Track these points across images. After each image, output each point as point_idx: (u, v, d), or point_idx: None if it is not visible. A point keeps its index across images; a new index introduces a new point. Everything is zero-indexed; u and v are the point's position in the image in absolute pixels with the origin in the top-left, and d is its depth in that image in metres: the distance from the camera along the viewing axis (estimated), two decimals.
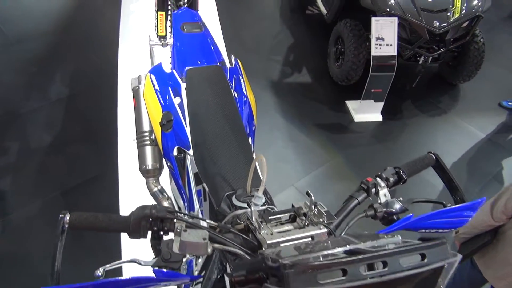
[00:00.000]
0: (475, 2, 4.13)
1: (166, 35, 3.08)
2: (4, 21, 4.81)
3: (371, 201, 1.24)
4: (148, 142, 1.85)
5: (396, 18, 3.95)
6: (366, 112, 4.31)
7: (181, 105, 1.66)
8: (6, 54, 4.41)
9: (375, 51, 3.96)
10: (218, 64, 1.79)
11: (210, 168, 1.41)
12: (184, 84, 1.71)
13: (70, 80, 4.23)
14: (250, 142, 1.65)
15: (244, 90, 1.77)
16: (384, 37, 3.96)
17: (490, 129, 4.35)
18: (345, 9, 4.68)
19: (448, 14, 4.02)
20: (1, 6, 5.07)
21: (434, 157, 1.31)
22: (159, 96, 1.72)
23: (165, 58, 2.22)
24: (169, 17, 3.13)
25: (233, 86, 1.73)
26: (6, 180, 3.27)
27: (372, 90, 4.13)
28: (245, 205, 1.21)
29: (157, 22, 3.04)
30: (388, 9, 4.00)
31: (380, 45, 3.97)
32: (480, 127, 4.37)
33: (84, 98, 4.05)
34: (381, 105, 4.27)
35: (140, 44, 4.33)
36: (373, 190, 1.23)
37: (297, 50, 5.15)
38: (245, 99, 1.76)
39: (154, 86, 1.74)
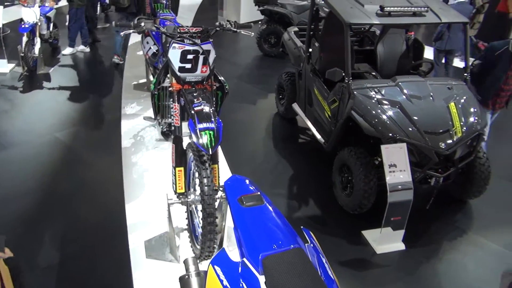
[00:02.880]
0: (472, 120, 4.20)
1: (185, 191, 2.80)
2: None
3: None
4: None
5: (404, 144, 3.89)
6: (387, 242, 4.02)
7: None
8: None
9: (389, 179, 3.81)
10: (297, 245, 1.48)
11: None
12: (263, 277, 1.38)
13: (65, 244, 3.78)
14: None
15: (330, 272, 1.45)
16: (396, 163, 3.86)
17: None
18: (344, 137, 4.64)
19: (451, 134, 4.03)
20: None
21: None
22: None
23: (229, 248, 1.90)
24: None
25: (319, 270, 1.41)
26: None
27: (392, 219, 3.89)
28: None
29: (175, 178, 2.81)
30: (391, 134, 3.97)
31: (394, 171, 3.84)
32: (504, 244, 4.14)
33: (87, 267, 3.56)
34: (402, 232, 4.01)
35: (149, 200, 4.05)
36: None
37: (299, 181, 4.98)
38: (332, 279, 1.43)
39: (221, 281, 1.39)
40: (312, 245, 1.58)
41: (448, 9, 4.75)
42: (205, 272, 1.53)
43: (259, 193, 1.77)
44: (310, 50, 5.36)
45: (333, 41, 5.06)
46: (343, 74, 4.34)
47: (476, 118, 4.23)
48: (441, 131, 4.03)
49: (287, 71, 6.17)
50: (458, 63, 8.14)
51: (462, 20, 4.68)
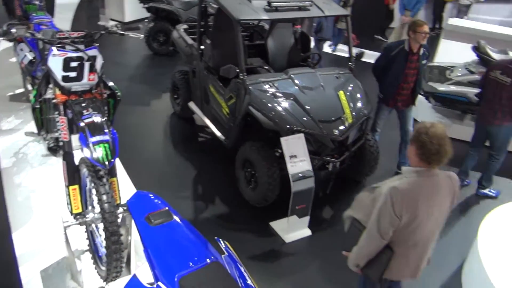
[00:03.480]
0: (360, 106, 4.50)
1: (83, 211, 2.56)
2: None
3: None
4: None
5: (302, 134, 4.03)
6: (294, 230, 4.16)
7: None
8: None
9: (291, 169, 3.92)
10: (214, 259, 1.42)
11: None
12: None
13: None
14: None
15: (249, 281, 1.42)
16: (296, 153, 3.98)
17: None
18: (244, 132, 4.66)
19: (343, 120, 4.27)
20: None
21: None
22: None
23: (137, 267, 1.74)
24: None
25: (239, 281, 1.37)
26: None
27: (297, 207, 4.02)
28: None
29: (70, 198, 2.55)
30: (288, 126, 4.08)
31: (295, 162, 3.96)
32: None
33: None
34: (307, 219, 4.18)
35: (40, 225, 3.64)
36: None
37: (203, 181, 4.91)
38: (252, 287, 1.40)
39: None
40: (228, 254, 1.53)
41: (329, 2, 5.00)
42: None
43: (167, 208, 1.68)
44: (202, 47, 5.28)
45: (224, 38, 5.05)
46: (237, 70, 4.35)
47: (363, 103, 4.54)
48: (333, 119, 4.25)
49: (180, 69, 6.02)
50: (326, 48, 8.89)
51: (343, 13, 5.00)
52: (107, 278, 2.65)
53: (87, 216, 2.69)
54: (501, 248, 3.56)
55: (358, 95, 4.62)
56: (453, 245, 4.27)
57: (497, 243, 3.60)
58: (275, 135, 4.21)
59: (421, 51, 4.65)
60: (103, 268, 2.76)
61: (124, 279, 2.50)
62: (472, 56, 6.35)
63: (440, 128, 2.33)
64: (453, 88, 6.16)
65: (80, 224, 2.67)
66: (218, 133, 5.07)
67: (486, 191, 5.09)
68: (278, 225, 4.25)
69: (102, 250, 2.82)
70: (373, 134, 5.05)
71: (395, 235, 2.40)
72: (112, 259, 2.46)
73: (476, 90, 5.36)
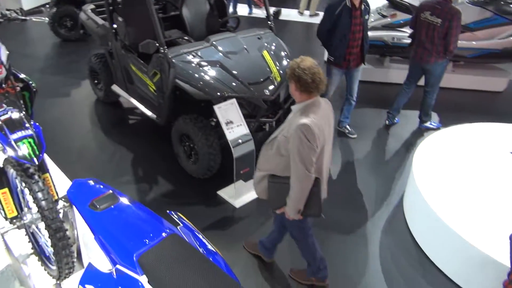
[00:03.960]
0: (285, 64, 4.55)
1: (18, 214, 2.39)
2: None
3: None
4: None
5: (234, 100, 4.02)
6: (242, 194, 4.22)
7: None
8: None
9: (229, 136, 3.93)
10: (169, 231, 1.39)
11: None
12: (144, 277, 1.26)
13: None
14: None
15: (209, 246, 1.41)
16: (232, 119, 3.98)
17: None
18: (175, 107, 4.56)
19: (272, 80, 4.31)
20: None
21: None
22: None
23: (89, 255, 1.65)
24: None
25: (199, 248, 1.36)
26: None
27: (241, 172, 4.06)
28: None
29: (1, 203, 2.36)
30: (219, 93, 4.05)
31: (232, 128, 3.96)
32: None
33: None
34: (252, 181, 4.22)
35: None
36: None
37: (142, 162, 4.77)
38: (213, 252, 1.41)
39: None
40: (183, 225, 1.51)
41: None
42: None
43: (110, 191, 1.61)
44: (115, 26, 5.01)
45: (136, 13, 4.82)
46: (157, 44, 4.20)
47: (288, 60, 4.59)
48: (262, 79, 4.27)
49: (96, 52, 5.70)
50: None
51: None
52: (60, 277, 2.54)
53: (24, 218, 2.53)
54: (434, 173, 3.85)
55: (283, 53, 4.66)
56: (395, 179, 4.56)
57: (430, 170, 3.90)
58: (208, 105, 4.16)
59: (362, 6, 4.69)
60: (54, 267, 2.63)
61: (78, 274, 2.41)
62: (382, 1, 6.62)
63: (309, 60, 2.55)
64: (369, 34, 6.40)
65: (19, 227, 2.50)
66: (148, 113, 4.92)
67: (427, 124, 5.52)
68: (226, 193, 4.29)
69: (49, 250, 2.68)
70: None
71: (315, 165, 2.60)
72: (62, 256, 2.35)
73: (391, 33, 5.62)
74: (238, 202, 4.16)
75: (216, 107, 3.94)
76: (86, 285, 1.30)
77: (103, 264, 1.34)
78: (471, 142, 4.31)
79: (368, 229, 3.92)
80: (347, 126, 5.37)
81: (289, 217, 2.71)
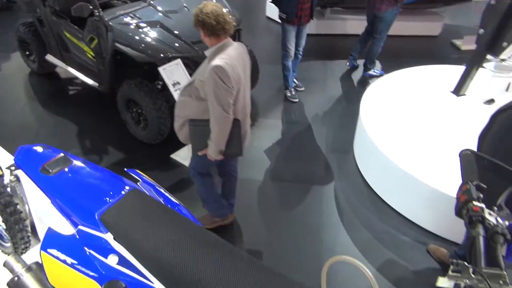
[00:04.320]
0: None
1: None
2: None
3: None
4: None
5: (179, 60, 3.91)
6: None
7: (124, 261, 1.19)
8: None
9: (178, 97, 3.83)
10: (128, 188, 1.36)
11: None
12: (109, 234, 1.24)
13: None
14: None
15: (172, 198, 1.41)
16: (178, 80, 3.89)
17: None
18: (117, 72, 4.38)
19: None
20: None
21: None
22: (82, 268, 1.20)
23: (49, 220, 1.58)
24: None
25: (161, 201, 1.35)
26: None
27: None
28: None
29: None
30: (162, 55, 3.92)
31: (179, 89, 3.87)
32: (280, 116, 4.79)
33: None
34: None
35: None
36: None
37: (89, 132, 4.60)
38: (176, 203, 1.41)
39: (64, 261, 1.20)
40: (143, 181, 1.49)
41: None
42: (38, 263, 1.30)
43: (62, 153, 1.54)
44: None
45: None
46: (91, 7, 3.96)
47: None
48: None
49: (23, 21, 5.29)
50: None
51: None
52: (16, 253, 2.44)
53: None
54: (380, 117, 4.00)
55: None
56: (345, 127, 4.70)
57: (376, 114, 4.04)
58: (152, 67, 4.03)
59: None
60: (7, 244, 2.53)
61: (36, 249, 2.34)
62: None
63: (210, 4, 2.59)
64: None
65: None
66: (89, 81, 4.70)
67: (371, 72, 5.67)
68: (179, 155, 4.25)
69: (0, 227, 2.56)
70: (286, 60, 4.99)
71: (234, 107, 2.65)
72: (16, 231, 2.25)
73: None
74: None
75: (160, 69, 3.82)
76: (48, 250, 1.26)
77: (64, 228, 1.30)
78: (413, 85, 4.49)
79: (323, 177, 4.05)
80: (295, 80, 5.42)
81: (211, 157, 2.78)
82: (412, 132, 3.81)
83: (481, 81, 3.98)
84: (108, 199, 1.35)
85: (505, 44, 3.44)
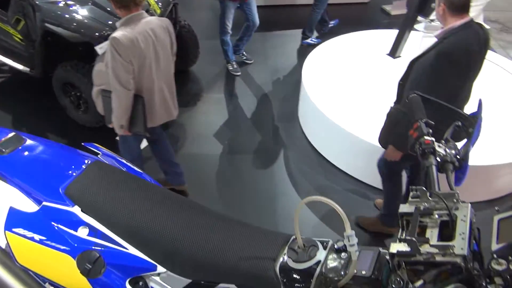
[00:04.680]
0: None
1: None
2: None
3: None
4: None
5: None
6: None
7: (95, 232, 1.19)
8: None
9: None
10: (89, 161, 1.34)
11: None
12: (76, 207, 1.22)
13: None
14: None
15: (134, 167, 1.41)
16: None
17: None
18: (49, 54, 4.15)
19: (152, 13, 4.11)
20: None
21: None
22: (52, 243, 1.18)
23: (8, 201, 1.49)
24: None
25: (123, 169, 1.35)
26: None
27: None
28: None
29: None
30: (97, 33, 3.77)
31: None
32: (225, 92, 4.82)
33: None
34: None
35: None
36: None
37: (24, 122, 4.37)
38: (139, 172, 1.42)
39: (32, 239, 1.18)
40: (102, 153, 1.47)
41: None
42: (4, 244, 1.26)
43: (14, 132, 1.47)
44: None
45: None
46: None
47: None
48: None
49: None
50: None
51: None
52: None
53: None
54: (321, 83, 4.14)
55: None
56: (289, 96, 4.79)
57: (317, 80, 4.17)
58: (87, 47, 3.86)
59: None
60: None
61: None
62: None
63: None
64: None
65: None
66: (19, 66, 4.40)
67: (308, 40, 5.74)
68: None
69: None
70: (225, 36, 4.90)
71: (138, 83, 2.65)
72: None
73: None
74: (142, 144, 4.06)
75: (97, 48, 3.64)
76: (13, 229, 1.22)
77: (27, 206, 1.26)
78: (350, 50, 4.66)
79: (272, 147, 4.15)
80: (244, 53, 5.39)
81: (116, 131, 2.79)
82: (352, 95, 3.98)
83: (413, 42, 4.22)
84: (70, 172, 1.33)
85: (433, 5, 3.64)
